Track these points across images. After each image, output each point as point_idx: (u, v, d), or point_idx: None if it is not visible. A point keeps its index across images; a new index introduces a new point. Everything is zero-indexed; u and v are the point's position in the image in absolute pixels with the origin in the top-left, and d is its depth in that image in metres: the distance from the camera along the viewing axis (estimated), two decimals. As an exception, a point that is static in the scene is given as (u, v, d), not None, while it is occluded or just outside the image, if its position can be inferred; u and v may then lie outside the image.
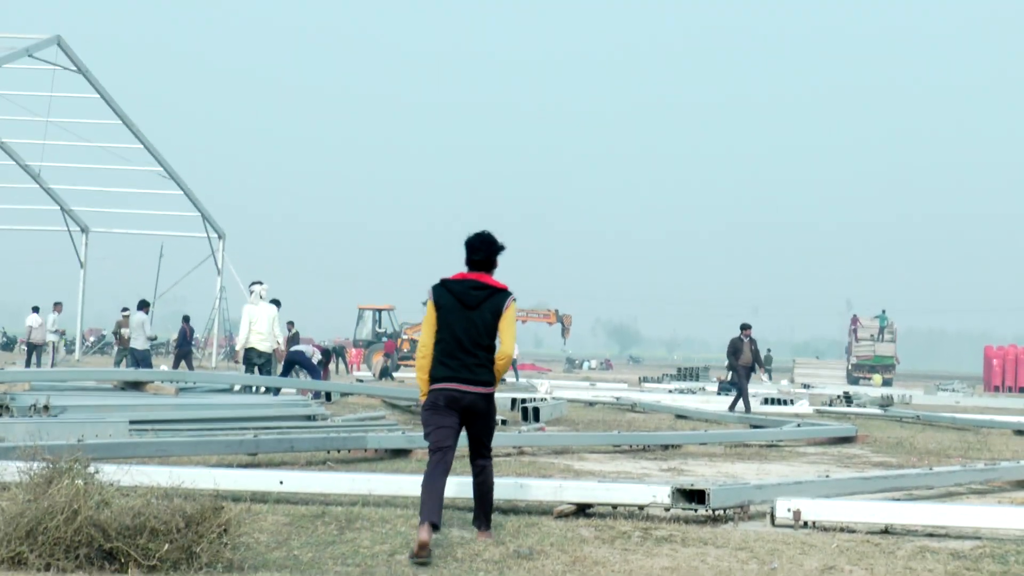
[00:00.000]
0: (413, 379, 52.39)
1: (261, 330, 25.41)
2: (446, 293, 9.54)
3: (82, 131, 46.83)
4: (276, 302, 27.06)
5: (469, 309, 9.48)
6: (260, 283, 26.26)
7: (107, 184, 52.83)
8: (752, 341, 30.05)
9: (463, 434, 9.64)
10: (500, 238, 9.81)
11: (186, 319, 42.23)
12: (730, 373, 32.24)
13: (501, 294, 9.58)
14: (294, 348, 30.93)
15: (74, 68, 42.14)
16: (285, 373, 30.35)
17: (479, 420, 9.57)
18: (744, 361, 29.76)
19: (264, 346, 25.55)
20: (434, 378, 9.49)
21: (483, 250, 9.68)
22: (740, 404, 29.94)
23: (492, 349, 9.55)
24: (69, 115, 46.98)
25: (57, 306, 46.96)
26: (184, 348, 41.82)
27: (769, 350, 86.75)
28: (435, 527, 9.02)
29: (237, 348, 27.92)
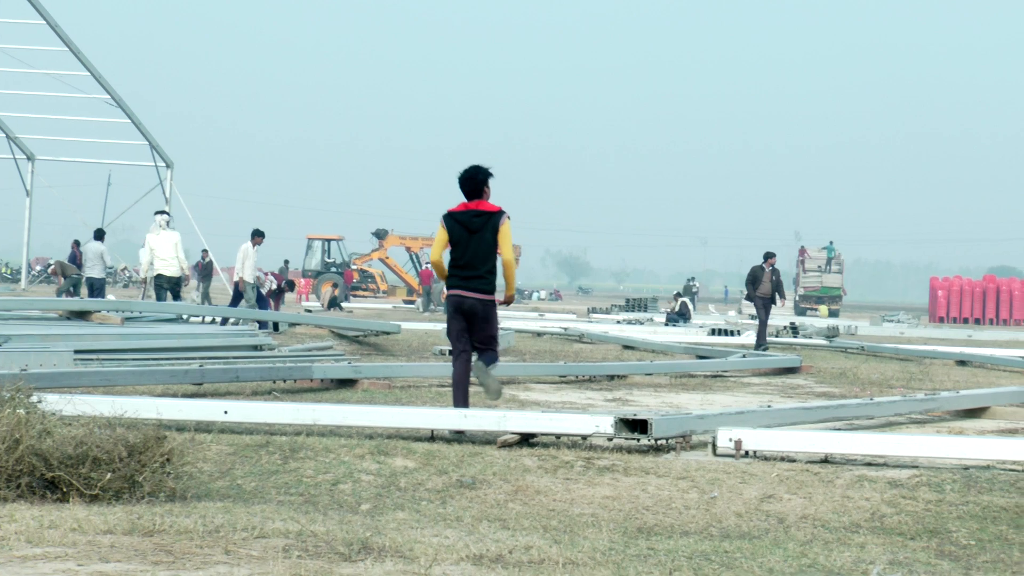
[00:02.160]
0: (361, 309, 52.33)
1: (165, 256, 26.47)
2: (454, 222, 11.82)
3: (28, 58, 46.31)
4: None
5: (474, 233, 11.76)
6: (164, 213, 27.85)
7: (53, 112, 52.27)
8: (775, 271, 28.65)
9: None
10: (486, 164, 12.00)
11: (76, 244, 41.85)
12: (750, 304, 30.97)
13: (497, 215, 11.79)
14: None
15: (19, -6, 41.57)
16: (235, 302, 30.27)
17: (483, 322, 11.87)
18: (763, 291, 28.35)
19: (170, 271, 26.60)
20: (448, 287, 11.95)
21: (470, 184, 11.85)
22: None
23: (492, 264, 11.86)
24: (14, 41, 46.45)
25: None
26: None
27: (693, 278, 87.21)
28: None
29: (141, 276, 28.53)
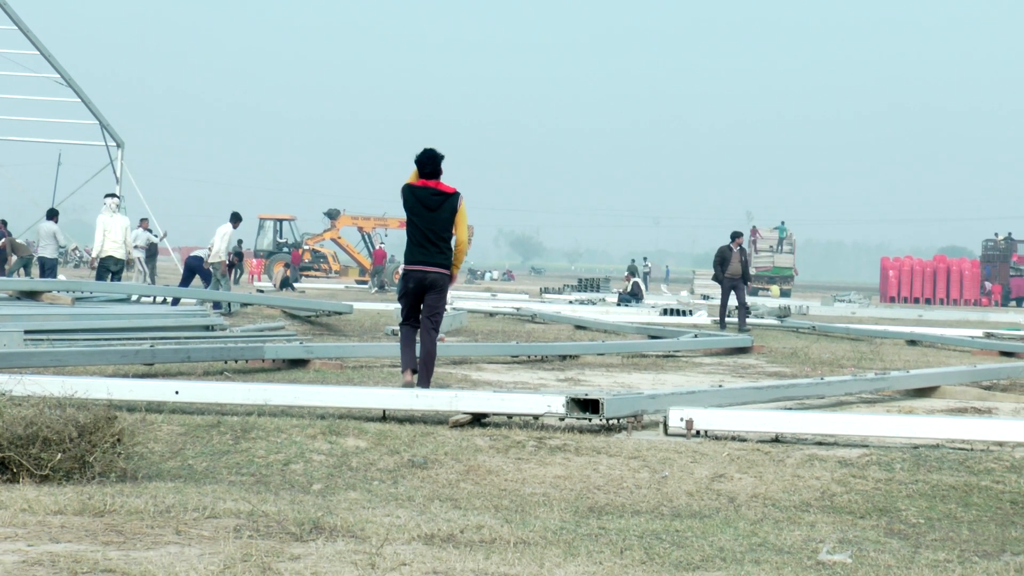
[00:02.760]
0: (313, 289, 52.20)
1: (116, 239, 27.17)
2: (412, 197, 12.62)
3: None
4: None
5: (430, 211, 12.57)
6: (114, 196, 28.66)
7: (1, 91, 51.79)
8: (743, 251, 28.07)
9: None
10: (436, 149, 12.74)
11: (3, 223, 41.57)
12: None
13: (454, 196, 12.62)
14: (192, 254, 30.67)
15: (-35, -29, 41.14)
16: (185, 282, 30.18)
17: (435, 292, 12.71)
18: (732, 272, 27.67)
19: (119, 253, 27.32)
20: (407, 261, 12.81)
21: (430, 164, 12.64)
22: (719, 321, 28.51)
23: (450, 240, 12.71)
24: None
25: None
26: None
27: (645, 258, 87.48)
28: (414, 371, 12.64)
29: (92, 256, 28.89)
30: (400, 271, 13.11)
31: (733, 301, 28.03)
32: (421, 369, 12.73)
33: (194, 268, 30.50)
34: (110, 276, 27.23)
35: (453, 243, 12.81)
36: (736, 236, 28.49)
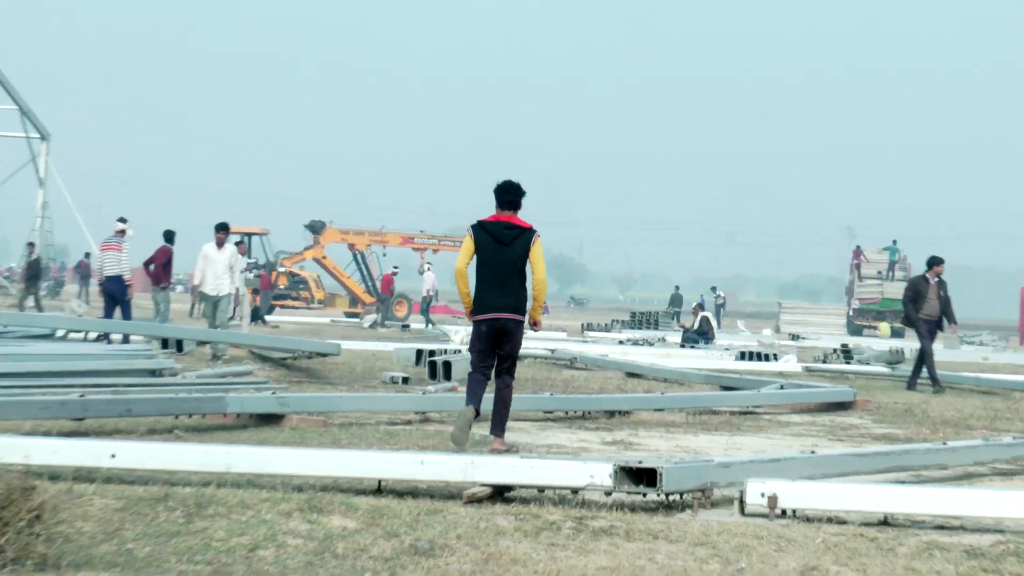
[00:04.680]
0: (290, 324, 52.21)
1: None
2: (483, 232, 14.36)
3: None
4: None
5: (504, 246, 14.29)
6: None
7: None
8: (942, 284, 27.14)
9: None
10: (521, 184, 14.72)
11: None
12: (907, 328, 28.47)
13: (529, 232, 14.37)
14: (110, 274, 29.99)
15: None
16: (107, 312, 29.67)
17: (510, 341, 14.50)
18: (929, 312, 27.01)
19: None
20: (480, 306, 14.45)
21: (510, 194, 14.54)
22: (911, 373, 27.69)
23: (525, 279, 14.47)
24: None
25: None
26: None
27: (714, 288, 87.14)
28: (477, 412, 14.20)
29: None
30: (472, 320, 14.64)
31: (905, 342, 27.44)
32: (495, 415, 14.63)
33: (111, 292, 29.95)
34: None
35: (530, 284, 14.51)
36: (935, 263, 27.34)
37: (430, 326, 52.20)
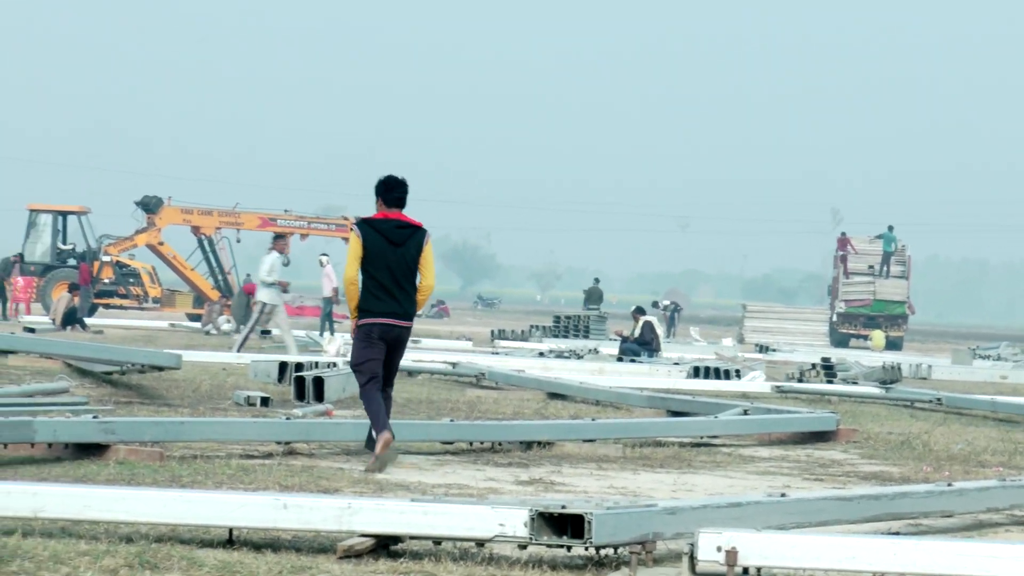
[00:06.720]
0: (117, 328, 51.98)
1: None
2: (373, 231, 15.76)
3: None
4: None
5: (396, 246, 15.77)
6: None
7: None
8: None
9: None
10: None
11: None
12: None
13: (421, 231, 16.00)
14: None
15: None
16: None
17: (399, 351, 16.33)
18: None
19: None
20: (369, 311, 15.86)
21: (399, 190, 16.06)
22: None
23: (415, 284, 15.98)
24: None
25: None
26: None
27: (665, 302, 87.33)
28: (392, 436, 15.67)
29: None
30: (355, 324, 15.95)
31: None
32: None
33: None
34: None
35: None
36: None
37: (329, 331, 51.30)
